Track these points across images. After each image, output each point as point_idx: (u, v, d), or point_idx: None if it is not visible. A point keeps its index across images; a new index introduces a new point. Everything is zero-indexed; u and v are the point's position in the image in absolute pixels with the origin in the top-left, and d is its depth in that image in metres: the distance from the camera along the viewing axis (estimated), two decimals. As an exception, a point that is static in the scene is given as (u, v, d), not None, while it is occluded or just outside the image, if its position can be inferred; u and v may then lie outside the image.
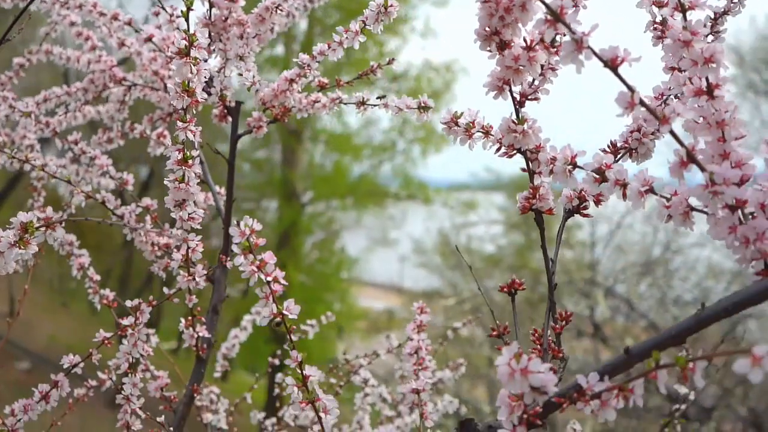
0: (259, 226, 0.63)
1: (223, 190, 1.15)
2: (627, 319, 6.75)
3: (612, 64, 0.52)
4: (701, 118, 0.56)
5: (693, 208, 0.55)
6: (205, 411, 1.35)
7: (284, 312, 0.65)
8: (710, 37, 0.73)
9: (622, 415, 6.40)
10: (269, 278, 0.63)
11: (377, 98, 0.96)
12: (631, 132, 0.69)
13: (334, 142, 11.82)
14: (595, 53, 0.51)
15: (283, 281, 0.64)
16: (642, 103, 0.51)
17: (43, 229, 0.68)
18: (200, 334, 0.99)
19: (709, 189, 0.52)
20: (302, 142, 11.67)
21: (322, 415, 0.66)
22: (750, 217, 0.54)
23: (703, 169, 0.52)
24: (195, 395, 1.01)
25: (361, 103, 0.98)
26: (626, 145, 0.70)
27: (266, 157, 11.90)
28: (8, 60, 1.43)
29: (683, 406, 1.12)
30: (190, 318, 0.98)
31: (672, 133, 0.52)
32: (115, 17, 1.11)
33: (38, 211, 0.82)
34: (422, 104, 0.87)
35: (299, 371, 0.66)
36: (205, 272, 0.93)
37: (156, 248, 1.03)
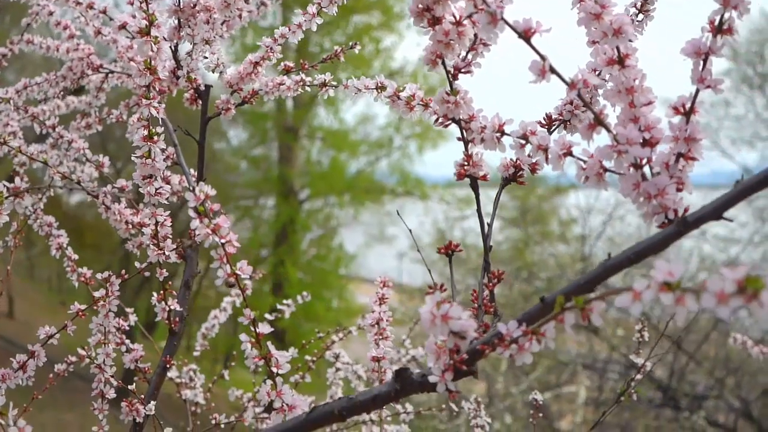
0: (213, 192, 0.68)
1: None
2: (620, 311, 6.80)
3: (525, 35, 0.56)
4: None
5: (606, 169, 0.60)
6: (184, 387, 1.41)
7: (237, 272, 0.69)
8: (640, 16, 0.78)
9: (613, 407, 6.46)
10: (223, 240, 0.68)
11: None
12: (565, 104, 0.74)
13: (330, 138, 11.87)
14: (509, 25, 0.56)
15: (236, 243, 0.69)
16: (552, 70, 0.56)
17: (11, 198, 0.73)
18: (172, 308, 1.04)
19: (614, 149, 0.56)
20: (299, 139, 11.72)
21: (274, 369, 0.71)
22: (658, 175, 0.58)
23: (609, 131, 0.57)
24: (168, 366, 1.05)
25: (323, 85, 1.02)
26: (560, 117, 0.74)
27: (263, 155, 11.95)
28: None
29: (639, 376, 1.16)
30: (162, 292, 1.03)
31: (581, 98, 0.57)
32: (90, 6, 1.15)
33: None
34: (379, 85, 0.91)
35: (253, 329, 0.71)
36: (175, 247, 0.98)
37: (130, 227, 1.08)
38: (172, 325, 1.06)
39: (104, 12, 1.17)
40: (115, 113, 1.28)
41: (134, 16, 1.15)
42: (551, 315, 0.54)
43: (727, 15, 0.57)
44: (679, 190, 0.57)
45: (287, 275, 10.32)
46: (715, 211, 0.52)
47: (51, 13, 1.26)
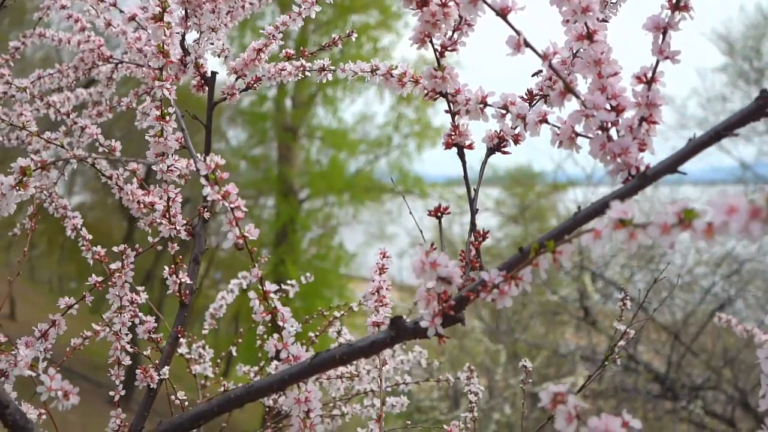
0: (223, 161, 0.74)
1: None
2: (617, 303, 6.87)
3: (503, 12, 0.63)
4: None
5: (577, 134, 0.67)
6: (193, 363, 1.47)
7: (246, 234, 0.76)
8: (614, -1, 0.84)
9: (611, 398, 6.53)
10: (233, 205, 0.75)
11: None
12: (545, 80, 0.81)
13: (329, 138, 11.94)
14: (487, 4, 0.63)
15: (244, 208, 0.75)
16: (526, 44, 0.63)
17: (39, 170, 0.80)
18: (183, 281, 1.10)
19: (582, 113, 0.63)
20: (298, 138, 11.80)
21: (280, 323, 0.78)
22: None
23: (578, 98, 0.63)
24: (179, 336, 1.12)
25: (322, 69, 1.09)
26: (540, 92, 0.81)
27: (263, 155, 12.02)
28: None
29: (622, 342, 1.23)
30: (173, 266, 1.10)
31: (552, 68, 0.64)
32: (101, -1, 1.22)
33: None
34: (374, 68, 0.98)
35: (260, 287, 0.78)
36: (185, 222, 1.05)
37: (142, 206, 1.14)
38: (183, 298, 1.12)
39: (114, 5, 1.23)
40: (125, 101, 1.34)
41: (144, 9, 1.22)
42: (527, 260, 0.60)
43: (683, -7, 0.64)
44: (641, 150, 0.64)
45: (288, 274, 10.39)
46: (670, 166, 0.59)
47: (63, 7, 1.33)
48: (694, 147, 0.58)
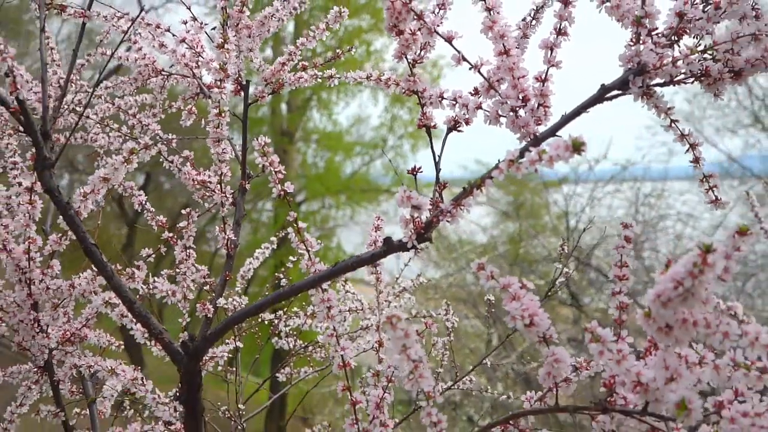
0: (269, 140, 1.12)
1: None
2: (602, 289, 7.26)
3: (448, 39, 1.00)
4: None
5: (500, 115, 1.04)
6: (231, 312, 1.84)
7: (285, 189, 1.13)
8: (534, 21, 1.22)
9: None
10: (276, 169, 1.12)
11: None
12: (482, 83, 1.18)
13: (325, 140, 12.30)
14: (438, 34, 1.00)
15: (283, 171, 1.13)
16: (463, 58, 1.00)
17: (143, 150, 1.17)
18: (230, 237, 1.48)
19: (500, 101, 1.01)
20: (294, 142, 12.16)
21: (309, 248, 1.15)
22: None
23: (497, 91, 1.01)
24: (227, 279, 1.49)
25: (331, 77, 1.47)
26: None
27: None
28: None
29: (561, 279, 1.59)
30: (222, 225, 1.47)
31: (481, 74, 1.01)
32: (158, 26, 1.59)
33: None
34: (369, 75, 1.36)
35: (296, 225, 1.15)
36: (233, 191, 1.42)
37: (195, 182, 1.52)
38: (229, 250, 1.49)
39: (168, 30, 1.61)
40: (175, 105, 1.72)
41: (188, 30, 1.59)
42: (467, 193, 0.98)
43: (563, 24, 1.02)
44: (538, 124, 1.01)
45: (287, 276, 10.70)
46: (551, 132, 0.97)
47: (124, 32, 1.70)
48: (564, 120, 0.96)
